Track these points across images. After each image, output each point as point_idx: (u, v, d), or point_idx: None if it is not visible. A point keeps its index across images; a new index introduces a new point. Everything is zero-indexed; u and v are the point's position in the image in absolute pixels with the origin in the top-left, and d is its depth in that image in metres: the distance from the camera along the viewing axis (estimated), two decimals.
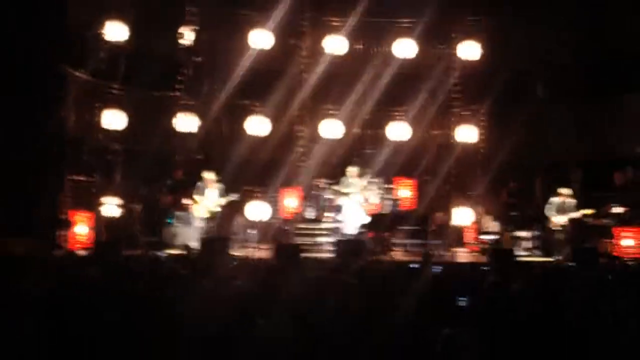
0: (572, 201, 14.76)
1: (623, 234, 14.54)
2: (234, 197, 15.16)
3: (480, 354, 5.70)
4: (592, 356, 5.76)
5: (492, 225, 16.61)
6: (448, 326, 5.42)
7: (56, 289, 6.97)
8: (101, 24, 16.11)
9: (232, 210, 15.97)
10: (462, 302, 7.01)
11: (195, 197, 14.97)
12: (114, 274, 7.59)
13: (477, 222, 16.69)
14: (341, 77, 18.35)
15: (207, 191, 14.97)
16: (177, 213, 15.53)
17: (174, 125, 17.05)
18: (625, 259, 13.38)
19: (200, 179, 15.33)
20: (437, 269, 10.09)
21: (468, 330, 5.81)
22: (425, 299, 6.71)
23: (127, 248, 12.96)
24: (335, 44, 17.70)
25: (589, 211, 14.48)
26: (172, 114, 17.14)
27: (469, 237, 16.51)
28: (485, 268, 11.26)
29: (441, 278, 8.87)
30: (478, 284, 7.58)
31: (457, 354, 5.25)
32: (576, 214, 14.47)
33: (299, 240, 15.58)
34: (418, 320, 6.21)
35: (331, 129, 17.70)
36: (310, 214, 16.66)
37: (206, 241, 13.67)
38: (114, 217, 15.50)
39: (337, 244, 14.04)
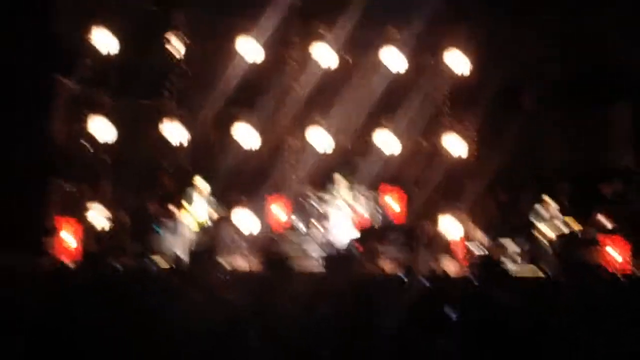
0: (558, 212, 14.78)
1: (611, 246, 14.59)
2: (224, 212, 15.14)
3: None
4: None
5: (480, 236, 16.63)
6: (436, 337, 5.43)
7: (44, 299, 6.95)
8: (90, 33, 16.07)
9: (221, 220, 15.94)
10: (450, 313, 7.01)
11: (186, 205, 14.90)
12: (101, 283, 7.56)
13: (465, 233, 16.70)
14: (329, 86, 18.33)
15: (195, 198, 14.89)
16: (166, 222, 15.50)
17: (162, 134, 17.02)
18: (613, 270, 13.41)
19: (189, 187, 15.30)
20: (425, 280, 10.09)
21: (455, 342, 5.82)
22: (413, 310, 6.71)
23: (115, 257, 12.91)
24: (324, 54, 17.70)
25: (576, 225, 14.53)
26: (161, 123, 17.11)
27: (456, 247, 16.51)
28: (473, 279, 11.26)
29: (429, 289, 8.87)
30: (466, 296, 7.59)
31: None
32: (563, 227, 14.51)
33: (288, 250, 15.53)
34: (406, 332, 6.21)
35: (320, 138, 17.69)
36: (299, 224, 16.64)
37: (195, 252, 13.64)
38: (102, 227, 15.45)
39: (326, 255, 14.03)
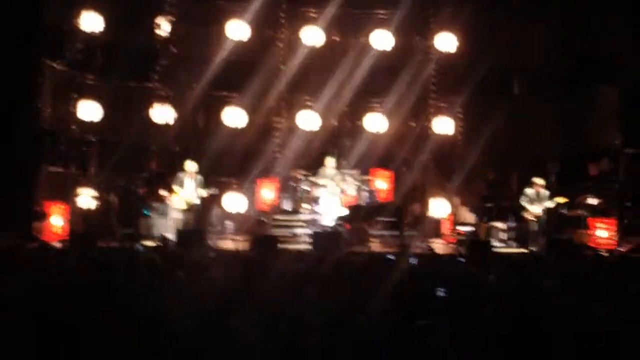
0: (546, 192, 14.83)
1: (597, 224, 14.67)
2: (214, 191, 15.11)
3: (456, 345, 5.72)
4: (568, 346, 5.79)
5: (469, 216, 16.69)
6: (425, 317, 5.44)
7: (32, 281, 6.94)
8: (77, 15, 15.99)
9: (210, 201, 15.93)
10: (439, 293, 7.02)
11: (175, 187, 14.86)
12: (89, 265, 7.54)
13: (454, 213, 16.75)
14: (318, 68, 18.33)
15: (186, 182, 14.86)
16: (154, 204, 15.49)
17: (150, 117, 16.99)
18: (599, 249, 13.49)
19: (177, 170, 15.28)
20: (414, 260, 10.12)
21: (444, 322, 5.83)
22: (402, 291, 6.71)
23: (103, 240, 12.91)
24: (312, 35, 17.68)
25: (563, 200, 14.57)
26: (149, 105, 17.09)
27: (445, 228, 16.57)
28: (461, 259, 11.30)
29: (418, 269, 8.89)
30: (454, 275, 7.61)
31: (433, 345, 5.26)
32: (550, 203, 14.54)
33: (276, 231, 15.57)
34: (395, 312, 6.22)
35: (308, 120, 17.70)
36: (287, 205, 16.66)
37: (183, 233, 13.66)
38: (90, 209, 15.43)
39: (314, 235, 14.07)
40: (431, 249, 12.36)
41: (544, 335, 5.66)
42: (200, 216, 15.31)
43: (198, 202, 14.88)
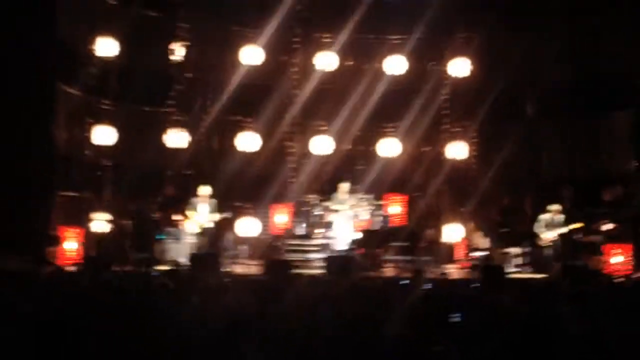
0: (561, 217, 14.78)
1: (612, 250, 14.59)
2: (227, 215, 15.14)
3: None
4: None
5: (483, 241, 16.63)
6: (439, 343, 5.42)
7: (46, 306, 6.95)
8: (92, 40, 16.10)
9: (223, 226, 15.94)
10: (453, 319, 7.00)
11: (188, 212, 14.89)
12: (103, 290, 7.56)
13: (468, 238, 16.71)
14: (332, 93, 18.39)
15: (200, 206, 14.89)
16: (168, 229, 15.50)
17: (164, 141, 17.05)
18: (614, 275, 13.41)
19: (191, 194, 15.32)
20: (428, 285, 10.09)
21: (459, 347, 5.81)
22: (416, 316, 6.70)
23: (116, 264, 12.91)
24: (326, 60, 17.72)
25: (577, 225, 14.51)
26: (163, 129, 17.14)
27: (459, 253, 16.52)
28: (475, 285, 11.27)
29: (432, 295, 8.87)
30: (469, 300, 7.59)
31: None
32: (565, 229, 14.48)
33: (290, 256, 15.54)
34: (409, 337, 6.20)
35: (322, 145, 17.69)
36: (300, 230, 16.64)
37: (196, 257, 13.66)
38: (104, 233, 15.46)
39: (327, 260, 14.05)
40: (445, 274, 12.32)
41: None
42: (214, 240, 15.33)
43: (212, 226, 14.89)
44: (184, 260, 13.62)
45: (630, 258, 14.59)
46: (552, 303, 7.84)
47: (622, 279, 12.58)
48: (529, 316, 6.37)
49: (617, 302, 8.04)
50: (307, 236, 16.41)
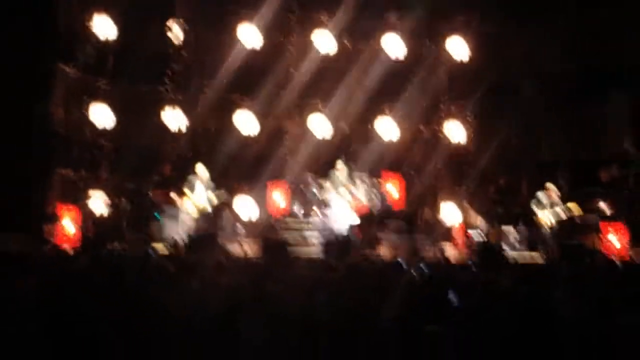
0: (558, 197, 14.79)
1: (609, 230, 14.64)
2: (224, 194, 15.13)
3: (467, 351, 5.73)
4: (581, 353, 5.79)
5: (480, 221, 16.66)
6: (436, 324, 5.45)
7: (43, 285, 6.97)
8: (89, 19, 16.03)
9: (220, 205, 15.96)
10: (450, 299, 7.03)
11: (186, 191, 14.87)
12: (100, 269, 7.57)
13: (465, 218, 16.74)
14: (329, 73, 18.34)
15: (197, 186, 14.88)
16: (165, 208, 15.51)
17: (162, 121, 17.04)
18: (611, 255, 13.46)
19: (189, 174, 15.32)
20: (425, 265, 10.10)
21: (455, 327, 5.84)
22: (413, 296, 6.72)
23: (114, 243, 12.94)
24: (324, 41, 17.66)
25: (574, 205, 14.53)
26: (160, 109, 17.15)
27: (456, 233, 16.56)
28: (472, 264, 11.28)
29: (429, 275, 8.88)
30: (465, 280, 7.61)
31: (443, 351, 5.27)
32: (562, 209, 14.50)
33: (287, 236, 15.53)
34: (406, 318, 6.23)
35: (319, 124, 17.68)
36: (298, 209, 16.64)
37: (194, 237, 13.67)
38: (101, 213, 15.48)
39: (324, 240, 14.07)
40: (442, 254, 12.34)
41: (555, 343, 5.67)
42: (211, 220, 15.35)
43: (209, 206, 14.90)
44: (181, 240, 13.63)
45: (626, 238, 14.66)
46: (549, 283, 7.88)
47: (618, 259, 12.62)
48: (525, 296, 6.39)
49: (613, 282, 8.07)
50: (304, 215, 16.41)
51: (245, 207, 16.13)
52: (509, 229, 15.58)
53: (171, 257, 9.92)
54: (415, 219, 16.27)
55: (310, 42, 17.84)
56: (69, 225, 14.52)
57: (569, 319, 6.13)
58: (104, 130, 16.46)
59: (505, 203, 16.43)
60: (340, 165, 15.87)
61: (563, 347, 5.75)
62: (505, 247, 14.50)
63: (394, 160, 17.99)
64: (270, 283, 7.10)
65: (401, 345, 5.88)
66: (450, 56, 17.62)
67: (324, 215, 15.62)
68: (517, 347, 5.72)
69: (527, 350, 5.67)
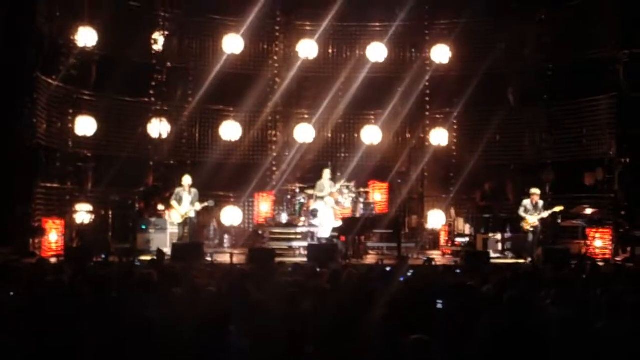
0: (542, 202, 14.80)
1: (594, 234, 14.68)
2: (210, 203, 15.05)
3: (452, 356, 5.73)
4: (565, 356, 5.80)
5: (465, 227, 16.69)
6: (421, 330, 5.43)
7: (28, 296, 6.94)
8: (72, 30, 15.96)
9: (207, 215, 15.93)
10: (436, 304, 7.03)
11: (173, 202, 14.76)
12: (85, 280, 7.54)
13: (450, 224, 16.79)
14: (314, 81, 18.40)
15: (184, 196, 14.77)
16: (151, 219, 15.46)
17: (146, 131, 17.01)
18: (595, 259, 13.50)
19: (173, 184, 15.28)
20: (411, 272, 10.11)
21: (439, 334, 5.83)
22: (398, 302, 6.72)
23: (98, 255, 12.87)
24: (308, 49, 17.68)
25: (559, 208, 14.55)
26: (145, 119, 17.12)
27: (442, 239, 16.60)
28: (458, 270, 11.30)
29: (414, 281, 8.89)
30: (451, 286, 7.62)
31: (429, 357, 5.26)
32: (547, 213, 14.51)
33: (273, 244, 15.50)
34: (391, 324, 6.22)
35: (304, 133, 17.71)
36: (283, 218, 16.61)
37: (179, 247, 13.63)
38: (86, 224, 15.42)
39: (310, 248, 14.06)
40: (428, 261, 12.34)
41: (540, 346, 5.67)
42: (197, 230, 15.31)
43: (194, 215, 14.81)
44: (167, 249, 13.59)
45: (610, 241, 14.70)
46: (533, 288, 7.89)
47: (602, 263, 12.66)
48: (510, 301, 6.39)
49: (597, 286, 8.10)
50: (290, 224, 16.38)
51: (231, 216, 16.12)
52: (494, 235, 15.59)
53: (156, 266, 9.89)
54: (401, 226, 16.28)
55: (295, 51, 17.86)
56: (53, 237, 14.42)
57: (553, 321, 6.13)
58: (88, 142, 16.36)
59: (491, 208, 16.44)
60: (325, 173, 15.84)
61: (548, 350, 5.75)
62: (490, 252, 14.51)
63: (379, 168, 18.05)
64: (255, 290, 7.09)
65: (385, 352, 5.87)
66: (434, 63, 17.65)
67: (311, 224, 15.58)
68: (501, 350, 5.71)
69: (512, 353, 5.67)
